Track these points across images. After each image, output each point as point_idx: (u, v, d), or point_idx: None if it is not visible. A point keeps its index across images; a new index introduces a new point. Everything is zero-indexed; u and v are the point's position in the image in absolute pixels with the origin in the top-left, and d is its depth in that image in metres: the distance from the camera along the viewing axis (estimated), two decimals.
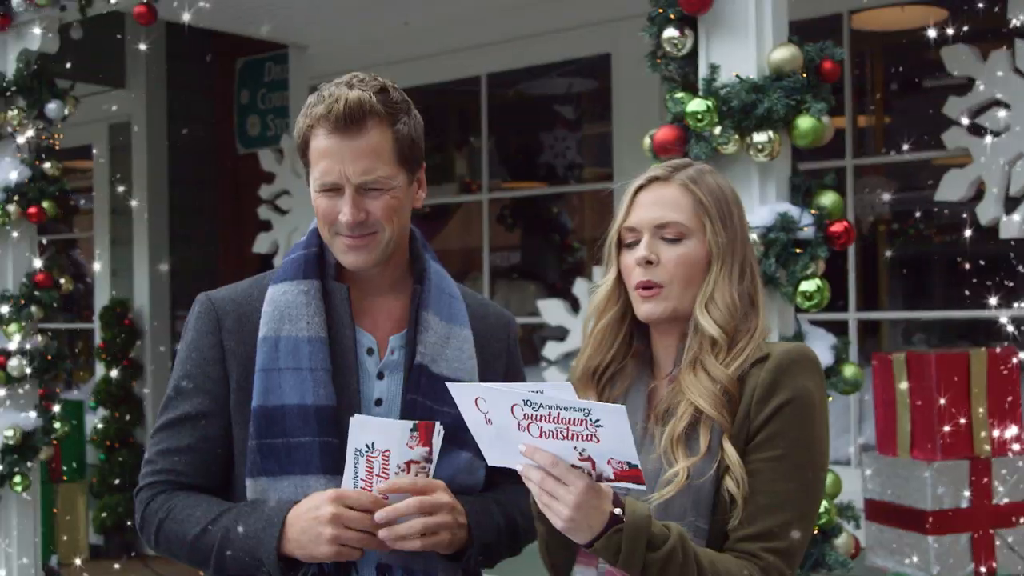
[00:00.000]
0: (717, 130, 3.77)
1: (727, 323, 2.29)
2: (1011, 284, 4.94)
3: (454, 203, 8.22)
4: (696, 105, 3.77)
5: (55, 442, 5.91)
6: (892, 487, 4.70)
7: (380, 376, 2.52)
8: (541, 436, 2.14)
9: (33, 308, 5.71)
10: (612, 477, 2.14)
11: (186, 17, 5.51)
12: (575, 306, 6.46)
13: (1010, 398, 4.64)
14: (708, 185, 2.37)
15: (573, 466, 2.12)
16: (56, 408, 5.86)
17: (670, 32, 3.92)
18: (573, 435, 2.13)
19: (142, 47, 6.54)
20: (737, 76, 3.79)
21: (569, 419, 2.12)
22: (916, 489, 4.57)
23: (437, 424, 2.34)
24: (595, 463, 2.14)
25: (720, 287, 2.31)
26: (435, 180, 8.39)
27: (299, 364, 2.44)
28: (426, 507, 2.33)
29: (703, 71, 3.89)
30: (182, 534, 2.43)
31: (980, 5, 4.99)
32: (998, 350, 4.70)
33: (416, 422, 2.32)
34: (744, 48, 3.86)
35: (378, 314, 2.56)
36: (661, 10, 3.95)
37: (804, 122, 3.75)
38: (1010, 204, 4.94)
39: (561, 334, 6.52)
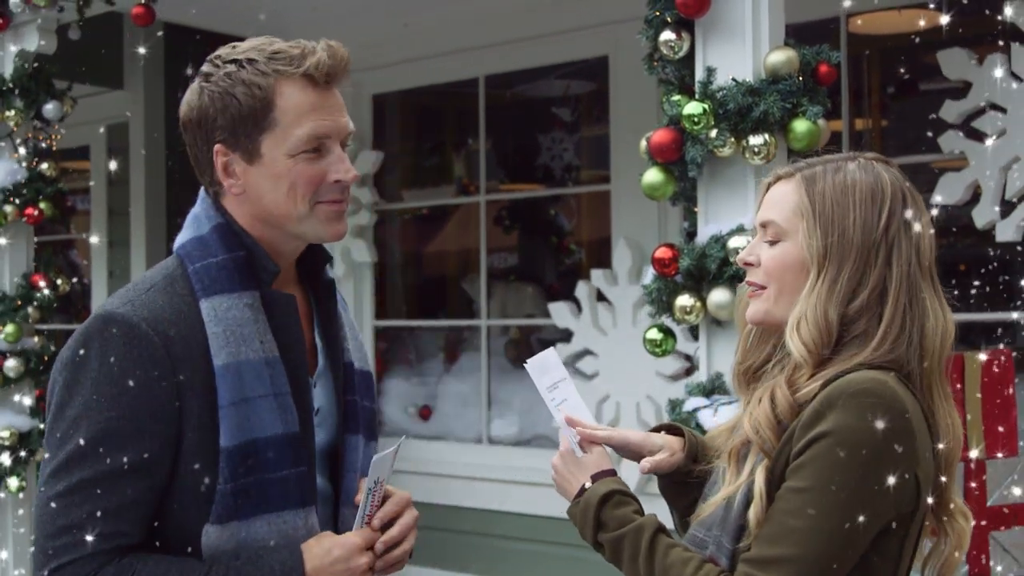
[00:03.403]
0: (713, 133, 3.78)
1: (815, 344, 2.09)
2: (1008, 287, 4.97)
3: (452, 204, 8.24)
4: (692, 108, 3.78)
5: None
6: None
7: (315, 385, 2.32)
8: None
9: (29, 309, 5.69)
10: (580, 448, 2.32)
11: (185, 17, 5.54)
12: (579, 308, 6.51)
13: (1005, 401, 4.65)
14: (828, 182, 2.16)
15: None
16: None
17: (667, 35, 3.94)
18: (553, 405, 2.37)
19: (141, 49, 6.56)
20: (733, 79, 3.81)
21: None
22: None
23: (403, 438, 2.39)
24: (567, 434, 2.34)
25: (814, 302, 2.11)
26: (433, 182, 8.42)
27: (264, 390, 2.15)
28: (409, 528, 2.30)
29: (700, 74, 3.91)
30: None
31: (975, 9, 5.02)
32: (992, 353, 4.72)
33: (398, 444, 2.29)
34: (740, 51, 3.88)
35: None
36: (658, 13, 3.97)
37: (800, 125, 3.77)
38: (1006, 207, 4.95)
39: (564, 336, 6.57)
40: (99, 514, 2.05)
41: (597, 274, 6.37)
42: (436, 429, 7.55)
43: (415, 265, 8.58)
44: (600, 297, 6.40)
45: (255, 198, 2.22)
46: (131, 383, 2.06)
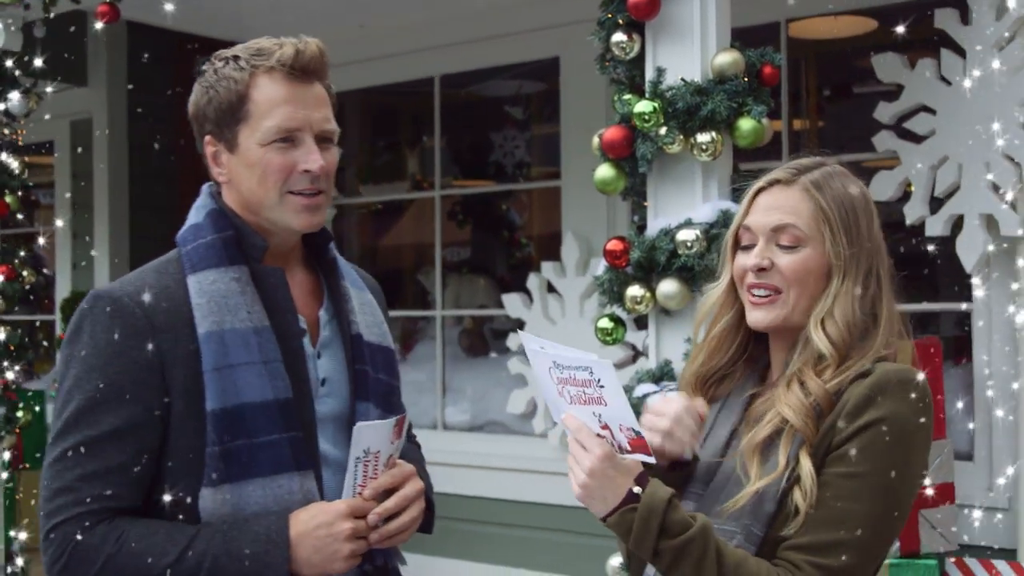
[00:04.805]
0: (663, 130, 3.89)
1: (842, 340, 2.15)
2: (936, 279, 5.14)
3: (408, 200, 8.30)
4: (643, 107, 3.89)
5: (17, 430, 5.99)
6: None
7: (319, 356, 2.41)
8: (571, 401, 2.13)
9: None
10: (628, 447, 2.10)
11: (148, 16, 5.60)
12: (531, 298, 6.65)
13: (933, 386, 4.84)
14: (834, 191, 2.21)
15: (598, 435, 2.10)
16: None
17: (618, 36, 4.04)
18: (589, 399, 2.10)
19: (102, 46, 6.61)
20: (682, 79, 3.91)
21: (583, 380, 2.09)
22: None
23: (406, 415, 2.34)
24: (611, 431, 2.10)
25: (841, 301, 2.17)
26: (389, 178, 8.49)
27: (251, 358, 2.24)
28: (410, 500, 2.31)
29: (650, 74, 4.01)
30: (144, 569, 2.15)
31: (908, 16, 5.20)
32: (921, 341, 4.91)
33: (397, 417, 2.29)
34: (689, 53, 3.98)
35: (295, 290, 2.41)
36: (610, 15, 4.06)
37: (745, 124, 3.90)
38: (935, 204, 5.06)
39: (516, 326, 6.67)
40: (88, 477, 2.16)
41: (547, 266, 6.48)
42: None
43: (373, 258, 8.61)
44: (550, 288, 6.52)
45: (237, 185, 2.36)
46: (115, 353, 2.20)
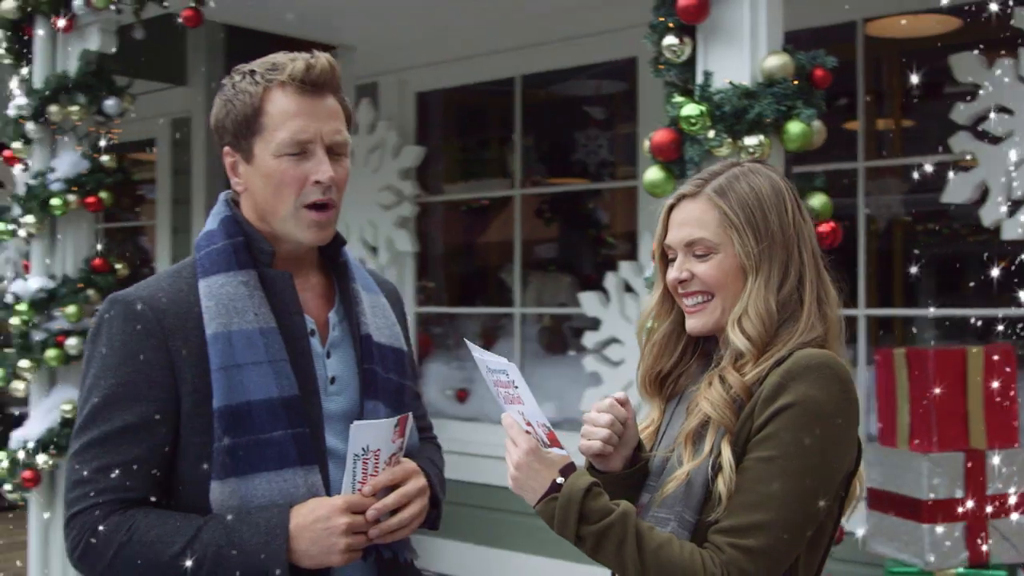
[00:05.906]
0: (710, 133, 3.88)
1: (759, 335, 2.23)
2: (1010, 284, 5.03)
3: (490, 198, 8.36)
4: (690, 110, 3.89)
5: None
6: (892, 477, 4.83)
7: (328, 355, 2.51)
8: (505, 401, 2.28)
9: (90, 291, 5.94)
10: (547, 441, 2.24)
11: (242, 20, 5.74)
12: (608, 297, 6.65)
13: (1005, 393, 4.76)
14: (737, 193, 2.31)
15: (526, 431, 2.24)
16: None
17: (670, 40, 4.05)
18: (513, 399, 2.24)
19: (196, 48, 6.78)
20: (729, 82, 3.90)
21: (506, 382, 2.24)
22: (913, 479, 4.67)
23: (409, 414, 2.42)
24: (533, 427, 2.24)
25: (755, 298, 2.26)
26: (474, 176, 8.59)
27: (257, 357, 2.35)
28: (410, 497, 2.40)
29: (698, 77, 4.01)
30: (153, 557, 2.28)
31: (986, 14, 5.09)
32: (993, 347, 4.81)
33: (398, 417, 2.37)
34: (738, 55, 3.97)
35: (306, 293, 2.52)
36: (662, 19, 4.07)
37: (794, 127, 3.87)
38: (1012, 207, 4.98)
39: (593, 324, 6.70)
40: (104, 470, 2.31)
41: (625, 266, 6.49)
42: (472, 411, 7.68)
43: (457, 255, 8.72)
44: (628, 288, 6.52)
45: (253, 194, 2.47)
46: (129, 354, 2.33)
